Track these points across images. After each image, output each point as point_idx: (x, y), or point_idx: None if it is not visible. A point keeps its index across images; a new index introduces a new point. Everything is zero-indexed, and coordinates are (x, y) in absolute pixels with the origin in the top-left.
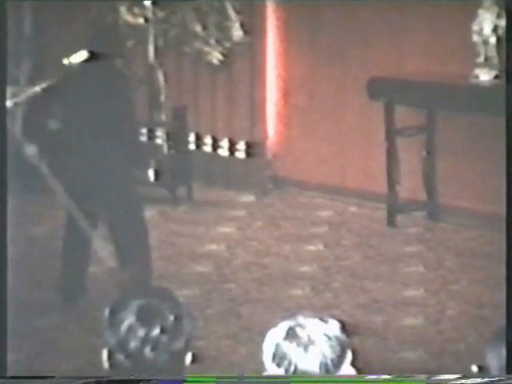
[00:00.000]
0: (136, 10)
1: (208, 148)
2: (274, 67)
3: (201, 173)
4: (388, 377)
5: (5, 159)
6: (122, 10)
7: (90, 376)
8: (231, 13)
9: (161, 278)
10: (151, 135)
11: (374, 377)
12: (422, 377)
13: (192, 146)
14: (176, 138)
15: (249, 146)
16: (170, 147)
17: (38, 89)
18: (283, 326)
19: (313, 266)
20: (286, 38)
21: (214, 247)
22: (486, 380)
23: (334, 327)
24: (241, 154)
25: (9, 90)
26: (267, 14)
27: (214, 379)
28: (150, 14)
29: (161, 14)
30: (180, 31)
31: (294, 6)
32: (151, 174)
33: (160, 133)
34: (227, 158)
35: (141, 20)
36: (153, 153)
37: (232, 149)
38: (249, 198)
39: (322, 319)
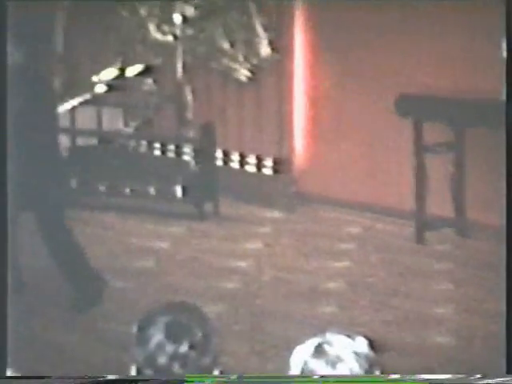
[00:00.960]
0: (165, 27)
1: (235, 164)
2: (302, 84)
3: (228, 189)
4: (388, 377)
5: (5, 160)
6: (151, 27)
7: (88, 376)
8: (259, 30)
9: (188, 293)
10: (179, 151)
11: (373, 377)
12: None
13: (219, 163)
14: (203, 154)
15: (276, 162)
16: (197, 163)
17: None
18: (311, 343)
19: (340, 283)
20: (313, 54)
21: (241, 263)
22: (486, 381)
23: (361, 344)
24: (268, 170)
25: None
26: (295, 31)
27: (214, 379)
28: (178, 32)
29: (189, 32)
30: (208, 48)
31: (321, 23)
32: (179, 189)
33: (188, 149)
34: (254, 175)
35: (170, 37)
36: (180, 169)
37: (259, 165)
38: (276, 214)
39: (349, 336)
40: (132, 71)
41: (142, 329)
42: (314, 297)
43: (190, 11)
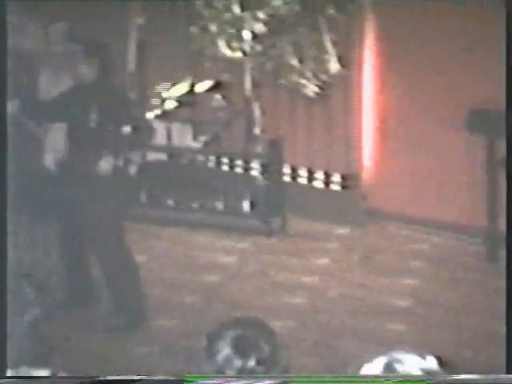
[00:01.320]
0: (234, 43)
1: (303, 180)
2: (371, 99)
3: (295, 204)
4: (387, 377)
5: (5, 161)
6: (221, 43)
7: (87, 376)
8: (328, 46)
9: (254, 309)
10: (247, 167)
11: (373, 377)
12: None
13: (287, 178)
14: (271, 169)
15: (344, 178)
16: (265, 179)
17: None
18: (380, 361)
19: (409, 301)
20: (383, 69)
21: (308, 279)
22: (486, 380)
23: (431, 363)
24: (336, 186)
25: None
26: (365, 47)
27: (214, 378)
28: (247, 48)
29: (258, 48)
30: (277, 64)
31: (392, 38)
32: (246, 205)
33: (256, 164)
34: (322, 190)
35: (239, 54)
36: (248, 184)
37: (327, 181)
38: (344, 230)
39: (419, 354)
40: (201, 87)
41: (211, 343)
42: (382, 314)
43: (259, 28)
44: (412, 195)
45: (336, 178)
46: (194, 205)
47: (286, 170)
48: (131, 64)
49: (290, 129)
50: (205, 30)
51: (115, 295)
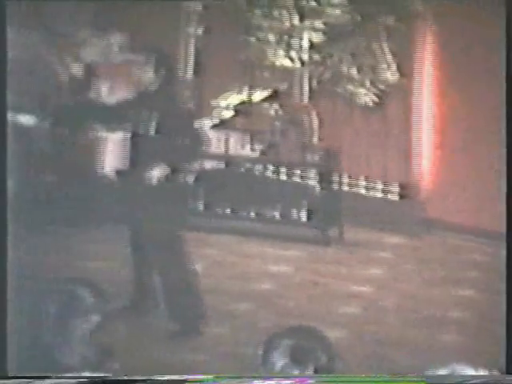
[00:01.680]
0: (292, 53)
1: (361, 189)
2: (430, 108)
3: (353, 214)
4: (387, 377)
5: (5, 162)
6: (279, 53)
7: (87, 376)
8: (387, 55)
9: (310, 318)
10: (304, 176)
11: (373, 377)
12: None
13: (345, 187)
14: (329, 178)
15: (402, 187)
16: (322, 188)
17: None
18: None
19: (465, 312)
20: (443, 79)
21: (363, 288)
22: (485, 380)
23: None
24: (394, 195)
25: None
26: (425, 56)
27: (214, 379)
28: (305, 57)
29: (316, 57)
30: (334, 73)
31: (452, 48)
32: (303, 214)
33: (313, 173)
34: (380, 200)
35: (296, 63)
36: (305, 193)
37: (385, 190)
38: (400, 239)
39: (475, 367)
40: (259, 96)
41: (267, 352)
42: (438, 325)
43: (317, 37)
44: (470, 205)
45: (394, 187)
46: (251, 214)
47: (344, 179)
48: (189, 73)
49: (348, 138)
50: (262, 39)
51: (172, 303)
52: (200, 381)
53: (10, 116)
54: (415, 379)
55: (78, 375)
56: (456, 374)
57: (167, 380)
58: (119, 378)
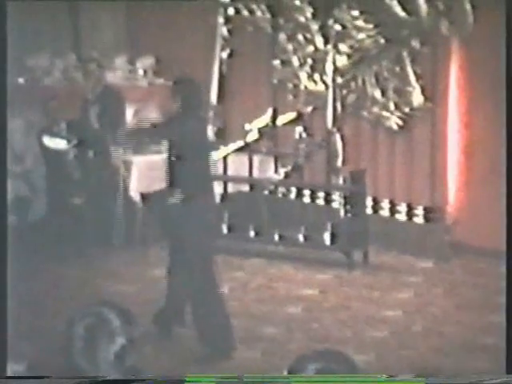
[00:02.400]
0: (316, 76)
1: (385, 212)
2: (455, 132)
3: (378, 237)
4: (388, 377)
5: (5, 164)
6: (303, 76)
7: (86, 376)
8: (412, 78)
9: (336, 341)
10: (328, 199)
11: (373, 377)
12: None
13: (369, 210)
14: (353, 201)
15: (427, 210)
16: (346, 211)
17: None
18: None
19: (496, 337)
20: (468, 102)
21: (390, 313)
22: (485, 380)
23: None
24: (419, 218)
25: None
26: (449, 79)
27: (214, 379)
28: (329, 81)
29: (340, 80)
30: (359, 96)
31: (477, 71)
32: (327, 237)
33: (337, 196)
34: (405, 223)
35: (321, 86)
36: (329, 216)
37: (410, 213)
38: (427, 263)
39: None
40: (283, 119)
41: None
42: (469, 350)
43: (341, 60)
44: (497, 229)
45: (419, 210)
46: (275, 236)
47: (368, 202)
48: (214, 97)
49: (372, 161)
50: (287, 62)
51: (201, 325)
52: (199, 381)
53: (41, 139)
54: (415, 379)
55: (78, 375)
56: (456, 375)
57: (167, 380)
58: (120, 378)
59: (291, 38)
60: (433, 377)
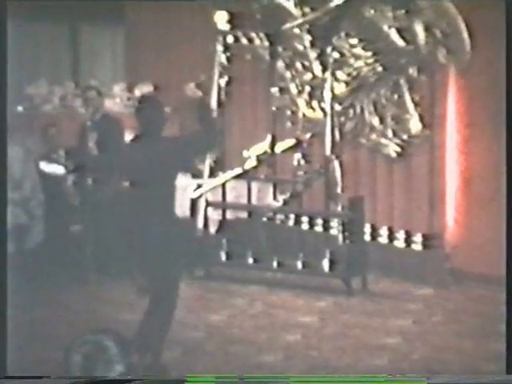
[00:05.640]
0: (314, 103)
1: (384, 239)
2: (453, 159)
3: (376, 264)
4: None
5: (5, 165)
6: (301, 103)
7: (83, 376)
8: (410, 106)
9: (335, 369)
10: (327, 225)
11: (373, 377)
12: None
13: (367, 237)
14: (351, 228)
15: (426, 238)
16: (345, 238)
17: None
18: None
19: (497, 365)
20: (466, 128)
21: (389, 340)
22: (486, 380)
23: None
24: (418, 246)
25: (193, 181)
26: (447, 107)
27: (214, 379)
28: (327, 108)
29: (338, 107)
30: (357, 124)
31: (473, 98)
32: (326, 264)
33: (335, 223)
34: (403, 250)
35: (319, 113)
36: (328, 243)
37: (408, 240)
38: (426, 290)
39: None
40: (281, 146)
41: None
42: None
43: (340, 88)
44: (497, 255)
45: (417, 237)
46: (274, 263)
47: (367, 229)
48: (215, 126)
49: (371, 188)
50: (285, 90)
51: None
52: (199, 381)
53: (40, 166)
54: (416, 379)
55: (77, 375)
56: (456, 375)
57: (166, 380)
58: (120, 378)
59: (289, 65)
60: (434, 377)
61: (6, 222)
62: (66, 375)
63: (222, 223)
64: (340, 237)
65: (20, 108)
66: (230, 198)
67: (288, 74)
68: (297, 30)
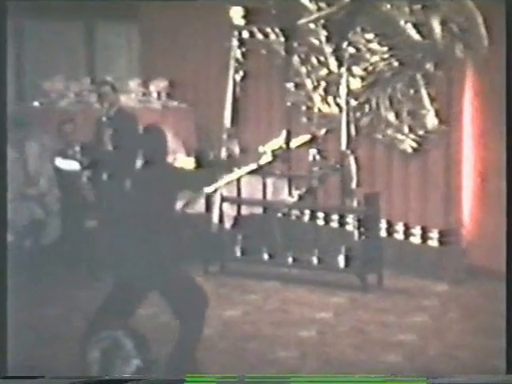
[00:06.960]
0: (330, 98)
1: (400, 235)
2: (470, 154)
3: (392, 260)
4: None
5: (4, 165)
6: (317, 98)
7: (81, 376)
8: (426, 101)
9: (350, 365)
10: (342, 221)
11: (373, 377)
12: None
13: (383, 233)
14: (367, 224)
15: (442, 234)
16: (360, 234)
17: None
18: None
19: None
20: (483, 124)
21: (404, 336)
22: (486, 380)
23: None
24: (434, 242)
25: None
26: (464, 102)
27: (214, 379)
28: (343, 103)
29: (354, 103)
30: (373, 119)
31: (491, 93)
32: (341, 260)
33: (351, 219)
34: (419, 246)
35: (334, 109)
36: (343, 239)
37: (424, 236)
38: (442, 287)
39: None
40: (297, 142)
41: None
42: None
43: (355, 83)
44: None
45: (434, 233)
46: (289, 259)
47: (382, 225)
48: (228, 119)
49: (387, 184)
50: (301, 85)
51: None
52: (199, 380)
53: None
54: (416, 379)
55: (76, 375)
56: (456, 375)
57: (166, 380)
58: (120, 378)
59: (305, 60)
60: (434, 376)
61: (6, 222)
62: (80, 374)
63: (237, 218)
64: (355, 233)
65: (36, 103)
66: (245, 193)
67: (303, 70)
68: (312, 25)
